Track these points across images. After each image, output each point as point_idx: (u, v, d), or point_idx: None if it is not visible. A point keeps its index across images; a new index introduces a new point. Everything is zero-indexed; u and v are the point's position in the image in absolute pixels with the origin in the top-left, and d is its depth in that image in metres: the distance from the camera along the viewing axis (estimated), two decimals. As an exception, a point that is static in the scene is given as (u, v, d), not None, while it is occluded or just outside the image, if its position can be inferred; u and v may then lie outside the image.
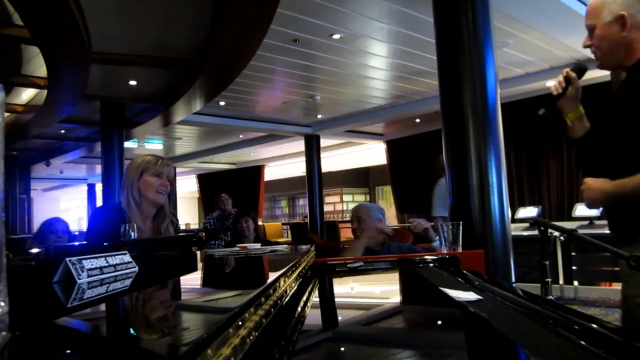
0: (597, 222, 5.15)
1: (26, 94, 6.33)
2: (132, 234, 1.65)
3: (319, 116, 8.54)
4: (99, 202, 12.03)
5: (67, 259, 0.88)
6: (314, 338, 0.99)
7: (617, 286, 2.16)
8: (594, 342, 0.65)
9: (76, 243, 2.57)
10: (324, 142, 9.77)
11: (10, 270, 0.57)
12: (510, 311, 0.89)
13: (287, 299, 0.92)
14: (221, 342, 0.50)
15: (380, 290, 1.84)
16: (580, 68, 1.62)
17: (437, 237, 2.86)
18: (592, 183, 1.51)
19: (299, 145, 9.92)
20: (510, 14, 4.24)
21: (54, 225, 3.34)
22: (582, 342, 0.66)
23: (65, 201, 19.95)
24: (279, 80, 6.19)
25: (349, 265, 1.68)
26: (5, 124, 0.58)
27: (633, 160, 1.44)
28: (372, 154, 11.94)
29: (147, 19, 4.10)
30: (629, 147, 1.46)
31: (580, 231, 1.56)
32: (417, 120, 8.83)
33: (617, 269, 1.55)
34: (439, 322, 1.25)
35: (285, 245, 2.53)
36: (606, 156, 1.57)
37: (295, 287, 1.08)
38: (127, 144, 8.33)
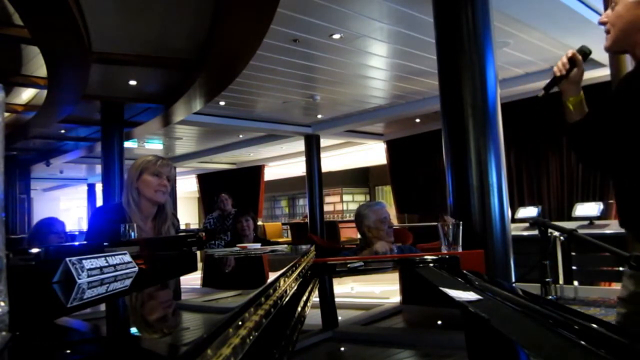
0: (597, 222, 5.15)
1: (26, 94, 6.33)
2: (132, 233, 1.65)
3: (319, 116, 8.54)
4: (99, 202, 12.03)
5: (67, 259, 0.88)
6: (314, 338, 0.99)
7: (617, 286, 2.16)
8: (594, 342, 0.65)
9: (76, 243, 2.57)
10: (324, 142, 9.77)
11: (10, 270, 0.57)
12: (510, 311, 0.89)
13: (287, 299, 0.92)
14: (221, 342, 0.50)
15: (380, 290, 1.84)
16: (584, 52, 1.54)
17: None
18: None
19: (299, 145, 9.92)
20: (510, 14, 4.24)
21: (54, 226, 3.32)
22: (582, 342, 0.66)
23: (65, 201, 19.96)
24: (279, 80, 6.19)
25: (349, 265, 1.68)
26: (5, 124, 0.58)
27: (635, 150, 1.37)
28: (372, 154, 11.95)
29: (147, 19, 4.09)
30: (633, 137, 1.38)
31: (580, 231, 1.55)
32: (417, 120, 8.84)
33: (620, 269, 1.53)
34: (439, 322, 1.25)
35: (285, 245, 2.53)
36: (607, 143, 1.47)
37: (295, 287, 1.08)
38: (127, 144, 8.33)
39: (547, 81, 1.57)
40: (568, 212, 6.41)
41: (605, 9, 1.98)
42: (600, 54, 4.46)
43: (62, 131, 8.45)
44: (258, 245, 2.20)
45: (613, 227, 4.83)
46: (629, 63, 2.83)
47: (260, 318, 0.65)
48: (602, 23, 1.48)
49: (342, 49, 5.12)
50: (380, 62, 5.70)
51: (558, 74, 1.54)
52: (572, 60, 1.52)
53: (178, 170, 12.97)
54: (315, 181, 9.49)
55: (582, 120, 1.52)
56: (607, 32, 1.45)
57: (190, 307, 0.87)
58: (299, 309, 1.03)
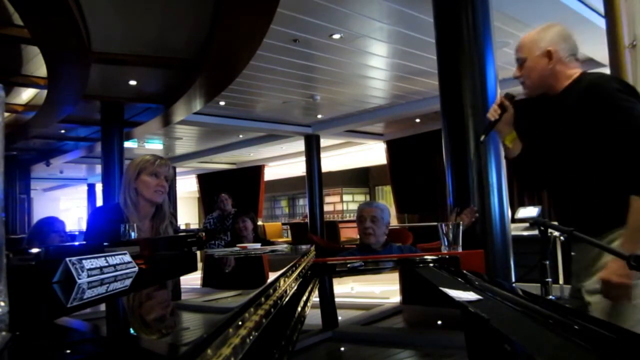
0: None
1: (26, 94, 6.34)
2: (132, 234, 1.65)
3: (319, 116, 8.54)
4: (99, 202, 12.04)
5: (67, 259, 0.88)
6: (314, 338, 0.99)
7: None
8: (594, 342, 0.65)
9: (76, 243, 2.57)
10: (324, 142, 9.77)
11: (10, 270, 0.57)
12: (510, 311, 0.89)
13: (287, 299, 0.92)
14: (221, 342, 0.50)
15: (380, 290, 1.84)
16: (511, 96, 1.83)
17: None
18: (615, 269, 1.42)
19: (299, 145, 9.92)
20: (510, 14, 4.24)
21: (54, 225, 3.31)
22: (582, 342, 0.66)
23: (65, 201, 19.97)
24: (279, 80, 6.19)
25: (349, 265, 1.68)
26: (5, 124, 0.58)
27: (569, 173, 1.62)
28: (372, 154, 11.95)
29: (147, 19, 4.10)
30: (562, 162, 1.66)
31: (580, 231, 1.55)
32: (417, 120, 8.84)
33: None
34: (439, 322, 1.25)
35: (285, 245, 2.53)
36: (543, 170, 1.76)
37: (295, 287, 1.08)
38: (127, 144, 8.34)
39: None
40: (568, 212, 6.39)
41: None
42: (599, 54, 4.47)
43: (62, 131, 8.46)
44: (258, 245, 2.20)
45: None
46: (628, 62, 2.83)
47: (260, 318, 0.65)
48: (516, 78, 1.75)
49: (342, 49, 5.12)
50: (380, 62, 5.70)
51: (492, 118, 1.84)
52: (502, 105, 1.81)
53: (178, 170, 12.97)
54: (315, 181, 9.49)
55: (521, 154, 1.84)
56: (523, 83, 1.74)
57: (190, 307, 0.87)
58: (299, 309, 1.03)
